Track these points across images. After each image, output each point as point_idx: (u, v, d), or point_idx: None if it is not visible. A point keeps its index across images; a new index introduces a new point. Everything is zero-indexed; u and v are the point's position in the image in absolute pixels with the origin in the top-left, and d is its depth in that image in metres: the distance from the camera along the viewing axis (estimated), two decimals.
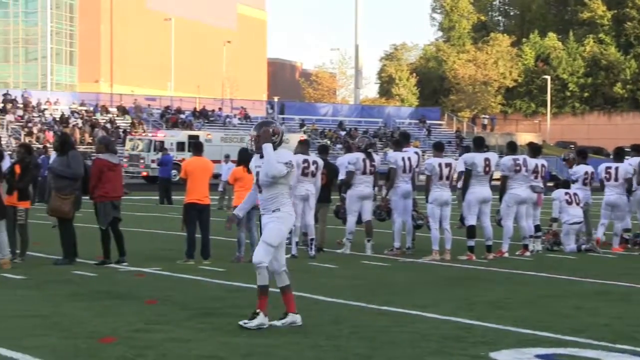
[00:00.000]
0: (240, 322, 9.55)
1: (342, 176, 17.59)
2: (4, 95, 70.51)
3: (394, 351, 8.57)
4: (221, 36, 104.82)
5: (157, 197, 36.27)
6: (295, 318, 9.80)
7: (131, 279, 13.69)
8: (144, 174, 55.36)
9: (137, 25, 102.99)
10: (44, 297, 11.69)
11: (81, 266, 14.95)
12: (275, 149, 9.79)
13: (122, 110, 73.15)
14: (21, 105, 69.33)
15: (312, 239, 16.90)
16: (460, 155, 19.86)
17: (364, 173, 17.42)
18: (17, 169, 15.65)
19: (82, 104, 73.16)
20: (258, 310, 9.62)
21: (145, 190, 44.53)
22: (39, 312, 10.42)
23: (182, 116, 72.81)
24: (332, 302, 11.53)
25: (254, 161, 9.95)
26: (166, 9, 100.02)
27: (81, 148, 59.84)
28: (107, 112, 72.47)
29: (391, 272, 14.99)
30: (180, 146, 55.88)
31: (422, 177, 18.23)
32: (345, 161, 17.63)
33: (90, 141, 63.79)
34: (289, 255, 16.54)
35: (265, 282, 9.67)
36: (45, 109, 69.95)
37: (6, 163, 16.57)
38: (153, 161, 52.98)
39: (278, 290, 9.90)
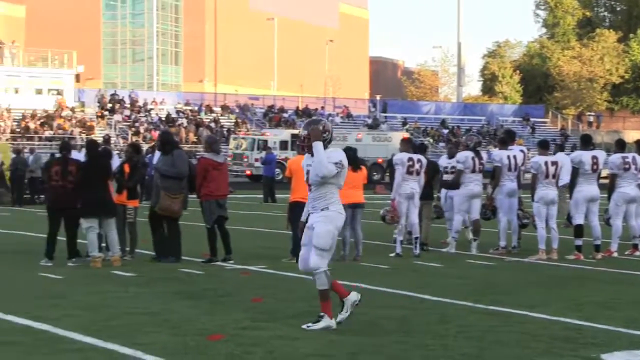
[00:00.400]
0: (304, 325, 9.46)
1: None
2: (112, 95, 71.94)
3: (502, 351, 8.49)
4: (324, 35, 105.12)
5: (261, 196, 36.53)
6: (351, 298, 9.71)
7: (237, 277, 13.82)
8: (248, 172, 55.82)
9: (241, 25, 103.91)
10: (154, 294, 11.88)
11: (188, 264, 15.15)
12: (325, 147, 9.66)
13: (226, 110, 73.93)
14: (128, 105, 70.64)
15: (416, 238, 16.84)
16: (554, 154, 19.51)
17: (473, 171, 17.33)
18: (127, 168, 15.94)
19: (187, 104, 74.16)
20: (322, 314, 9.51)
21: (249, 189, 44.90)
22: (149, 309, 10.59)
23: (285, 115, 73.27)
24: (437, 301, 11.47)
25: (306, 160, 9.83)
26: (269, 9, 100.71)
27: (186, 147, 60.71)
28: (212, 111, 73.32)
29: (497, 272, 14.85)
30: (284, 145, 56.20)
31: (528, 176, 18.03)
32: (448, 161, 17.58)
33: (195, 140, 64.66)
34: (393, 254, 16.59)
35: (325, 286, 9.54)
36: (151, 109, 71.11)
37: (115, 162, 16.89)
38: (257, 160, 53.41)
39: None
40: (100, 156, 15.58)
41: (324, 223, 9.53)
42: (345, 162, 9.63)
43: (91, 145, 16.01)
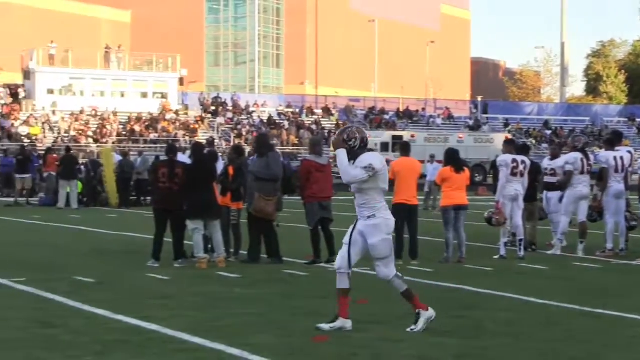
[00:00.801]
0: (408, 329, 9.36)
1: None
2: (215, 98, 72.82)
3: (612, 355, 8.36)
4: (425, 36, 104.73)
5: None
6: (345, 323, 9.56)
7: None
8: None
9: (342, 27, 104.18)
10: (259, 295, 11.98)
11: (292, 266, 15.24)
12: (357, 153, 9.55)
13: (327, 112, 74.17)
14: (231, 108, 71.40)
15: (520, 240, 16.66)
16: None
17: (581, 173, 17.10)
18: (231, 170, 16.11)
19: (288, 106, 74.61)
20: (418, 311, 9.48)
21: (349, 191, 44.96)
22: (254, 310, 10.69)
23: (386, 117, 73.20)
24: (543, 304, 11.33)
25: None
26: (370, 11, 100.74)
27: (287, 149, 61.10)
28: (313, 113, 73.63)
29: (604, 274, 14.61)
30: (384, 147, 56.14)
31: (635, 177, 17.70)
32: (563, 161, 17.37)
33: (296, 142, 65.04)
34: (497, 256, 16.44)
35: (403, 287, 9.56)
36: (253, 111, 71.75)
37: (219, 165, 17.08)
38: None
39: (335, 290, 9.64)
40: (205, 159, 15.79)
41: (375, 235, 9.51)
42: (377, 165, 9.48)
43: (197, 148, 16.22)
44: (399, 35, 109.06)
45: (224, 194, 15.94)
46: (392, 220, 9.64)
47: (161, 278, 13.61)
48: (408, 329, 9.40)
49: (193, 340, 8.89)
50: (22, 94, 65.88)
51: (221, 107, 70.84)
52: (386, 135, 59.17)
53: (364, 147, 9.64)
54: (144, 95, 69.21)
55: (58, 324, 9.64)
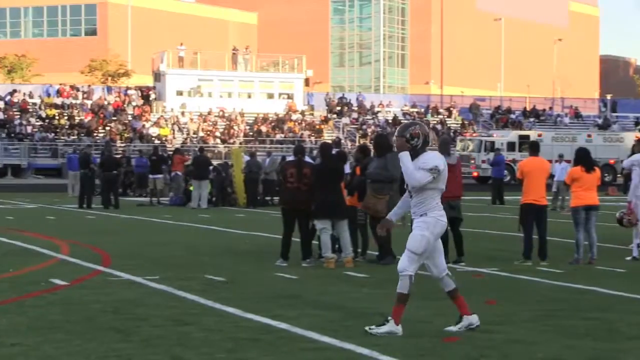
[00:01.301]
0: (367, 328, 9.24)
1: None
2: (340, 98, 73.13)
3: None
4: (552, 34, 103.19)
5: (489, 197, 36.22)
6: (471, 319, 9.39)
7: (469, 279, 13.75)
8: (475, 174, 55.48)
9: (467, 26, 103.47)
10: (387, 295, 11.93)
11: (421, 266, 15.16)
12: (419, 152, 9.33)
13: (452, 111, 73.78)
14: (356, 108, 71.62)
15: None
16: None
17: None
18: (358, 170, 16.17)
19: (413, 106, 74.47)
20: (390, 318, 9.26)
21: (475, 191, 44.59)
22: (382, 310, 10.67)
23: (512, 116, 72.39)
24: None
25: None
26: (496, 9, 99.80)
27: None
28: (438, 113, 73.32)
29: None
30: (511, 146, 55.55)
31: None
32: None
33: None
34: (630, 258, 16.10)
35: (405, 290, 9.31)
36: (378, 111, 71.84)
37: (347, 165, 17.15)
38: (484, 161, 53.09)
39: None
40: (333, 159, 15.85)
41: (420, 229, 9.31)
42: (441, 166, 9.33)
43: (325, 148, 16.30)
44: (526, 33, 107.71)
45: (352, 193, 16.00)
46: (443, 222, 9.43)
47: (289, 277, 13.75)
48: (447, 328, 9.37)
49: (322, 339, 8.96)
50: (152, 95, 67.35)
51: (346, 108, 71.11)
52: (512, 135, 58.50)
53: (425, 145, 9.45)
54: (270, 96, 69.98)
55: (191, 322, 9.84)
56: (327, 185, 15.12)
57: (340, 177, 15.50)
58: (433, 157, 9.38)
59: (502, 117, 71.52)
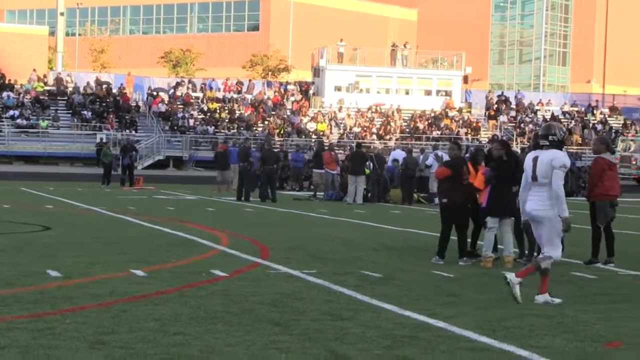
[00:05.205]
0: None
1: None
2: (499, 96, 72.30)
3: None
4: None
5: None
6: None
7: (632, 283, 13.40)
8: (636, 176, 54.00)
9: (633, 24, 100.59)
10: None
11: (579, 268, 14.88)
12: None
13: (615, 111, 71.98)
14: (514, 106, 70.66)
15: None
16: None
17: None
18: None
19: (573, 105, 72.99)
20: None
21: (636, 192, 43.45)
22: (542, 311, 10.52)
23: None
24: None
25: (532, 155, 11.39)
26: None
27: (573, 149, 59.72)
28: (599, 112, 71.74)
29: None
30: None
31: None
32: None
33: (580, 142, 63.54)
34: None
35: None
36: (537, 110, 70.71)
37: None
38: None
39: None
40: (513, 156, 15.58)
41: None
42: (568, 164, 11.01)
43: (507, 145, 16.03)
44: None
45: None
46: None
47: (446, 275, 13.65)
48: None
49: (481, 339, 8.85)
50: (311, 91, 68.04)
51: (504, 105, 70.24)
52: None
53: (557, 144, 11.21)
54: (428, 92, 69.75)
55: (348, 317, 9.87)
56: (500, 184, 14.86)
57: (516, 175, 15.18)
58: (565, 157, 11.13)
59: None
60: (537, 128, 63.39)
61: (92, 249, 16.10)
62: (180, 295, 11.17)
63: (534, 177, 11.09)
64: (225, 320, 9.51)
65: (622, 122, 69.20)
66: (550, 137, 11.07)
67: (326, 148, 39.39)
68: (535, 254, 14.72)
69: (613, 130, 66.84)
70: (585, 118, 69.84)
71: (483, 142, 58.70)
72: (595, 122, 69.41)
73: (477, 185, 15.22)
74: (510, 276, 10.93)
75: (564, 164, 10.95)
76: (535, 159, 11.13)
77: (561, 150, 11.20)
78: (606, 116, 71.11)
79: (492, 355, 8.26)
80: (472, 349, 8.44)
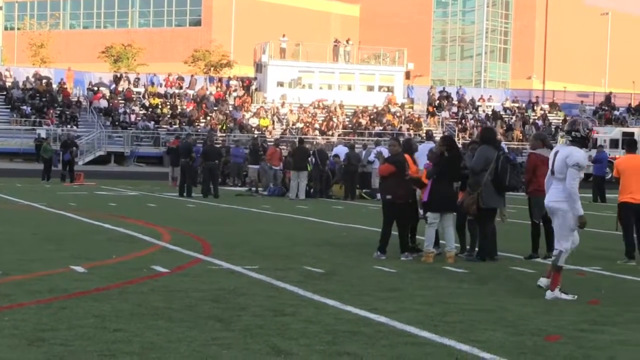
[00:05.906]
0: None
1: None
2: (441, 92, 72.74)
3: None
4: None
5: (590, 195, 35.58)
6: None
7: (572, 277, 13.52)
8: None
9: (572, 20, 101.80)
10: (487, 291, 11.87)
11: (521, 263, 15.01)
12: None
13: (554, 107, 72.77)
14: (456, 102, 71.13)
15: None
16: None
17: None
18: None
19: (514, 101, 73.67)
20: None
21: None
22: (483, 306, 10.60)
23: (616, 112, 71.06)
24: None
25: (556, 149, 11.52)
26: (603, 3, 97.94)
27: (513, 144, 60.27)
28: (540, 108, 72.46)
29: None
30: (614, 143, 54.48)
31: None
32: None
33: (520, 137, 64.12)
34: None
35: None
36: (478, 106, 71.24)
37: None
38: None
39: None
40: (459, 153, 15.63)
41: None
42: (582, 163, 11.01)
43: (450, 140, 16.09)
44: (634, 28, 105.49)
45: (464, 188, 15.77)
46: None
47: (388, 270, 13.69)
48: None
49: (422, 334, 8.89)
50: (253, 86, 67.90)
51: (446, 101, 70.68)
52: (616, 132, 57.41)
53: (584, 141, 11.14)
54: (370, 88, 69.97)
55: (290, 312, 9.86)
56: (443, 179, 14.91)
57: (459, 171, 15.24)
58: (583, 156, 11.21)
59: (605, 114, 70.26)
60: (479, 124, 63.98)
61: (31, 246, 15.93)
62: (121, 291, 11.08)
63: (552, 172, 11.23)
64: (167, 317, 9.46)
65: (562, 118, 69.93)
66: (573, 134, 11.07)
67: (271, 144, 39.30)
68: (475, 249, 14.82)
69: (553, 126, 67.56)
70: (525, 114, 70.52)
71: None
72: (536, 118, 70.11)
73: (424, 180, 15.28)
74: (548, 293, 11.18)
75: (577, 163, 10.93)
76: (555, 154, 11.24)
77: (584, 147, 11.23)
78: (546, 112, 71.85)
79: (432, 349, 8.29)
80: (413, 344, 8.47)
